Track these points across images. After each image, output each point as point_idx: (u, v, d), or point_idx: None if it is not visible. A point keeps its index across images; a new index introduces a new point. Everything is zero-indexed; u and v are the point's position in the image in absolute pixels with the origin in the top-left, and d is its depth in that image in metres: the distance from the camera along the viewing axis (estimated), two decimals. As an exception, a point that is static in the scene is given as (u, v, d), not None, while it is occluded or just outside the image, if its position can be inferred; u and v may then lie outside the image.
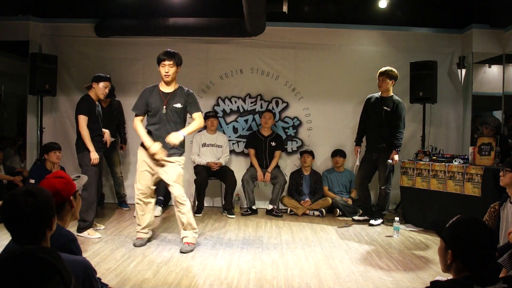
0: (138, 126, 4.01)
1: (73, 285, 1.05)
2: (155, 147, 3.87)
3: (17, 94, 8.14)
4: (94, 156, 4.38)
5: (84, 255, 2.36)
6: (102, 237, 4.27)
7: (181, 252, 3.83)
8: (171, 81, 3.99)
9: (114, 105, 5.75)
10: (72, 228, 4.35)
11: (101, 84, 4.51)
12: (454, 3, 6.18)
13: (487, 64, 6.71)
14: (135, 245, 3.98)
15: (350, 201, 5.71)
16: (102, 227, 4.65)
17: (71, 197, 2.05)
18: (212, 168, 5.61)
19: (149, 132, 4.00)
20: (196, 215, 5.45)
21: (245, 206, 5.78)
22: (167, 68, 3.90)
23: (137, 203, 4.07)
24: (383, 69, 5.10)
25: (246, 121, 6.24)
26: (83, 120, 4.39)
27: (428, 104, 5.83)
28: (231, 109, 6.24)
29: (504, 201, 3.09)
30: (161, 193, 5.58)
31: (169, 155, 3.92)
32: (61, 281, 1.01)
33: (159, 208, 5.43)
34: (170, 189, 3.97)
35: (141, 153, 4.00)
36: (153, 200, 4.15)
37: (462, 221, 1.61)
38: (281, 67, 6.20)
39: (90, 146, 4.38)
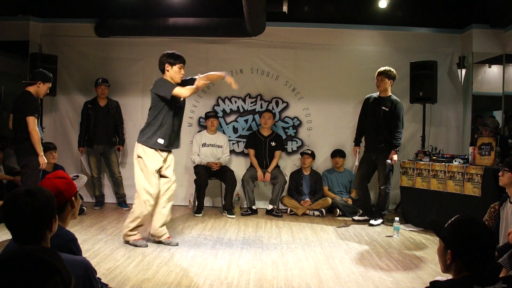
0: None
1: (73, 285, 1.06)
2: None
3: (17, 94, 8.12)
4: (43, 160, 4.20)
5: (84, 255, 2.36)
6: (102, 237, 4.27)
7: (169, 244, 4.03)
8: None
9: (111, 105, 5.75)
10: (71, 228, 4.37)
11: (47, 85, 4.30)
12: (454, 3, 6.18)
13: (487, 64, 6.72)
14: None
15: (350, 201, 5.71)
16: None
17: (73, 198, 2.05)
18: (212, 168, 5.61)
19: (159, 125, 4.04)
20: (196, 215, 5.47)
21: (245, 206, 5.79)
22: (183, 71, 4.11)
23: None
24: (382, 69, 5.09)
25: (246, 121, 6.24)
26: (34, 121, 4.13)
27: (428, 104, 5.83)
28: (231, 109, 6.24)
29: (504, 201, 3.09)
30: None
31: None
32: (61, 281, 1.02)
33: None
34: None
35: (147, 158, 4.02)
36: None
37: (461, 221, 1.61)
38: (281, 67, 6.20)
39: (40, 150, 4.17)
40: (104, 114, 5.70)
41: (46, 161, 4.25)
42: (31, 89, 4.24)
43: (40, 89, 4.26)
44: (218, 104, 6.23)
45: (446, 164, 4.74)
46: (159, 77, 4.09)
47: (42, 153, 4.20)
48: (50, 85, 4.38)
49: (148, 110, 4.11)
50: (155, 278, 3.19)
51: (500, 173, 3.06)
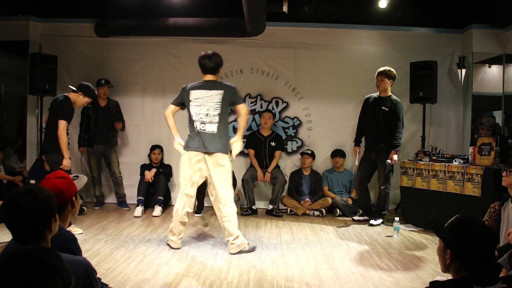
0: None
1: (73, 285, 1.06)
2: None
3: (17, 94, 8.14)
4: (68, 163, 4.45)
5: (84, 255, 2.36)
6: (102, 237, 4.27)
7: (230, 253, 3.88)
8: None
9: (111, 105, 5.76)
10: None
11: (86, 99, 4.61)
12: (454, 3, 6.18)
13: (487, 64, 6.72)
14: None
15: (350, 201, 5.71)
16: (80, 231, 4.44)
17: (73, 198, 2.05)
18: (212, 168, 5.60)
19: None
20: (196, 215, 5.47)
21: (245, 206, 5.78)
22: None
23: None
24: (382, 68, 5.09)
25: (246, 121, 6.23)
26: (64, 125, 4.41)
27: (428, 104, 5.83)
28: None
29: (505, 201, 3.08)
30: (161, 193, 5.58)
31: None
32: (61, 281, 1.02)
33: (158, 208, 5.43)
34: None
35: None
36: None
37: (461, 221, 1.61)
38: (281, 67, 6.19)
39: (66, 153, 4.42)
40: (105, 114, 5.70)
41: (70, 164, 4.49)
42: (72, 96, 4.57)
43: (78, 99, 4.59)
44: (218, 104, 6.22)
45: (446, 164, 4.74)
46: (231, 84, 4.02)
47: (68, 156, 4.45)
48: (90, 101, 4.69)
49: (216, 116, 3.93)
50: (155, 278, 3.19)
51: (503, 173, 3.03)
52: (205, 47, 6.08)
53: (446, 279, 1.67)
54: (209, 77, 3.98)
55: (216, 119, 3.88)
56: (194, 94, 3.92)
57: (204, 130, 3.87)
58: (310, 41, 6.15)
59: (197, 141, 3.87)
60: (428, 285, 1.62)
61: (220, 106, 3.88)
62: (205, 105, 3.88)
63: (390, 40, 6.21)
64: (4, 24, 6.06)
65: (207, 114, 3.88)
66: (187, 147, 3.94)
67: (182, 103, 4.00)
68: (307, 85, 6.19)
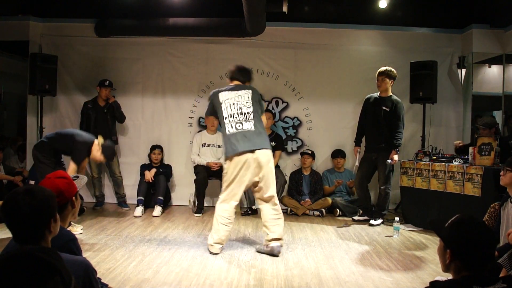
0: None
1: (73, 285, 1.06)
2: None
3: (17, 94, 8.14)
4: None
5: (84, 255, 2.36)
6: (102, 237, 4.27)
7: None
8: None
9: (111, 104, 5.75)
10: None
11: (101, 158, 4.60)
12: (454, 3, 6.18)
13: (487, 64, 6.72)
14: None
15: (352, 184, 5.71)
16: (80, 227, 4.51)
17: (73, 197, 2.05)
18: (212, 168, 5.61)
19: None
20: (196, 215, 5.47)
21: (245, 206, 5.78)
22: None
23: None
24: (382, 68, 5.09)
25: (246, 121, 6.23)
26: (74, 169, 4.34)
27: (428, 104, 5.84)
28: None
29: (505, 201, 3.08)
30: (161, 193, 5.58)
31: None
32: (61, 281, 1.02)
33: (158, 208, 5.43)
34: None
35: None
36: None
37: (461, 221, 1.61)
38: (281, 67, 6.19)
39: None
40: (104, 114, 5.70)
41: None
42: (95, 145, 4.52)
43: (95, 152, 4.52)
44: (218, 104, 6.22)
45: (446, 164, 4.73)
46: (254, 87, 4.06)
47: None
48: (103, 160, 4.73)
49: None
50: (155, 278, 3.18)
51: (501, 173, 3.04)
52: (205, 47, 6.17)
53: (446, 279, 1.67)
54: (237, 82, 4.01)
55: (251, 116, 3.84)
56: (223, 96, 3.89)
57: (242, 128, 3.79)
58: (310, 41, 6.15)
59: (240, 141, 3.75)
60: (428, 285, 1.62)
61: (251, 104, 3.87)
62: (237, 104, 3.85)
63: (390, 40, 6.21)
64: (4, 24, 6.06)
65: (240, 112, 3.84)
66: (231, 152, 3.77)
67: (214, 110, 4.01)
68: (307, 85, 6.19)
